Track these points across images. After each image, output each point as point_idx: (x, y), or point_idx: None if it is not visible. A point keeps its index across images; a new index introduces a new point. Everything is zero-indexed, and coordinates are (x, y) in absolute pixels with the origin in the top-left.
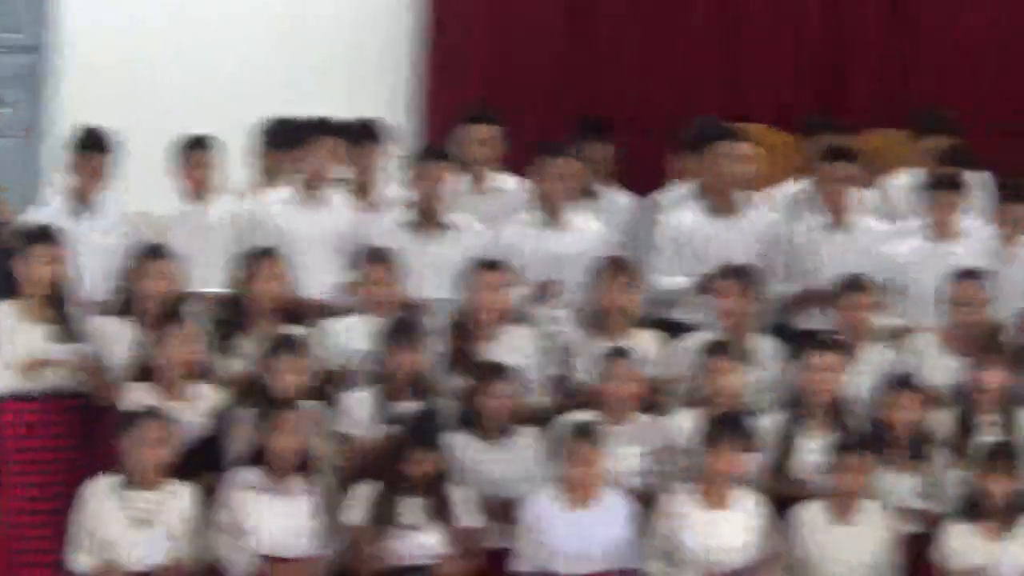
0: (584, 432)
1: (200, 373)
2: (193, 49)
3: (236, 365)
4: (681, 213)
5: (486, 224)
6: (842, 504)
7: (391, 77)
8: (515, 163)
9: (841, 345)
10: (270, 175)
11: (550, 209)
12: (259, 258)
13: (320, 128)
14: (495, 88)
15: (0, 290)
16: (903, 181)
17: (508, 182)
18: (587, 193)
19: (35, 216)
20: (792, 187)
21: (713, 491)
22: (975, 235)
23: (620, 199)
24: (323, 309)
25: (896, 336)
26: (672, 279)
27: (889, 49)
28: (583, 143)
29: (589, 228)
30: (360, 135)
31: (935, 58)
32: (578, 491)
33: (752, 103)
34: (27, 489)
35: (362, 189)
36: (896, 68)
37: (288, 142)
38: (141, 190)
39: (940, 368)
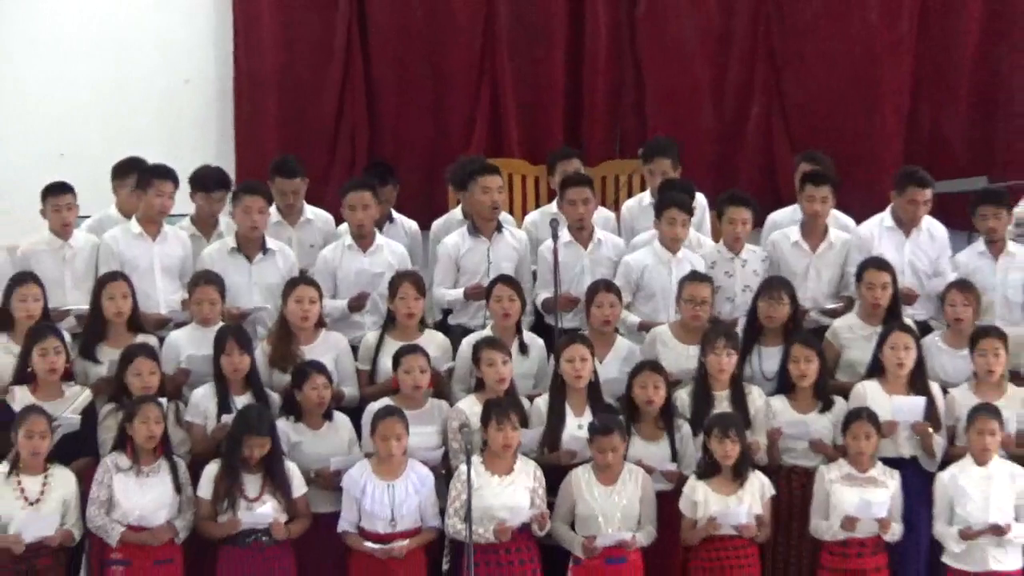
0: (389, 412)
1: (69, 376)
2: (53, 117)
3: (99, 368)
4: (455, 239)
5: (298, 248)
6: (604, 469)
7: (205, 131)
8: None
9: (588, 339)
10: (126, 209)
11: (359, 234)
12: (108, 281)
13: (160, 173)
14: (287, 140)
15: None
16: (634, 202)
17: (315, 213)
18: (380, 221)
19: None
20: (544, 209)
21: (497, 461)
22: (706, 245)
23: (406, 225)
24: (164, 322)
25: (640, 329)
26: (448, 291)
27: (619, 91)
28: (373, 182)
29: (387, 248)
30: (205, 180)
31: (655, 99)
32: (388, 464)
33: (506, 137)
34: None
35: (203, 222)
36: (625, 107)
37: (132, 179)
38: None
39: (676, 355)
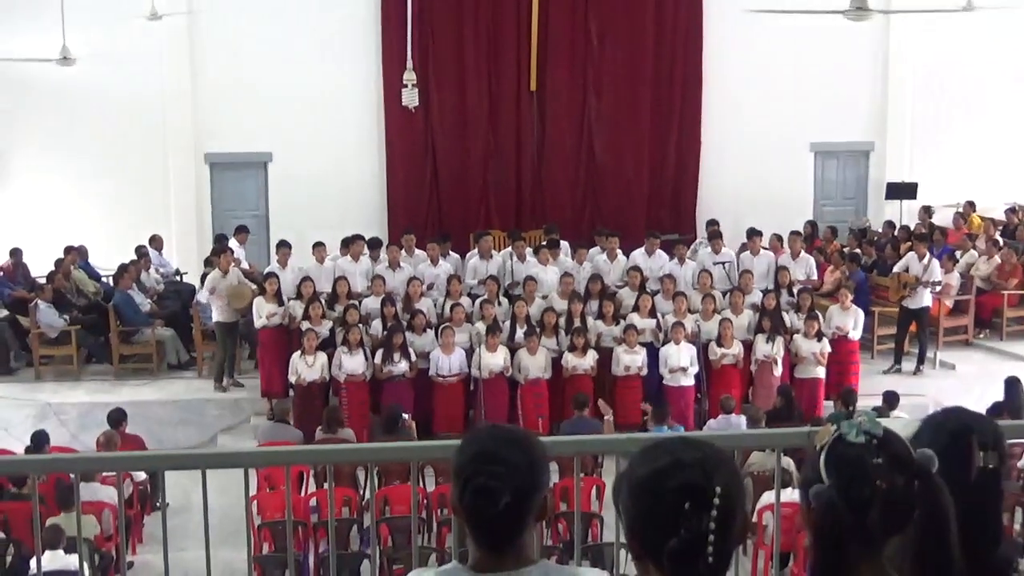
0: (447, 328)
1: (324, 316)
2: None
3: (334, 314)
4: (474, 260)
5: (413, 267)
6: (532, 349)
7: (374, 214)
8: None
9: (525, 299)
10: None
11: (431, 260)
12: (338, 279)
13: (358, 238)
14: (405, 211)
15: (260, 292)
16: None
17: (419, 252)
18: (444, 254)
19: (268, 270)
20: (507, 249)
21: (491, 347)
22: (564, 262)
23: (454, 256)
24: (360, 295)
25: (544, 297)
26: (470, 281)
27: (533, 202)
28: (439, 239)
29: (445, 265)
30: (375, 242)
31: (551, 204)
32: (447, 348)
33: (492, 220)
34: (272, 358)
35: (376, 256)
36: (533, 197)
37: (347, 243)
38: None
39: (559, 305)
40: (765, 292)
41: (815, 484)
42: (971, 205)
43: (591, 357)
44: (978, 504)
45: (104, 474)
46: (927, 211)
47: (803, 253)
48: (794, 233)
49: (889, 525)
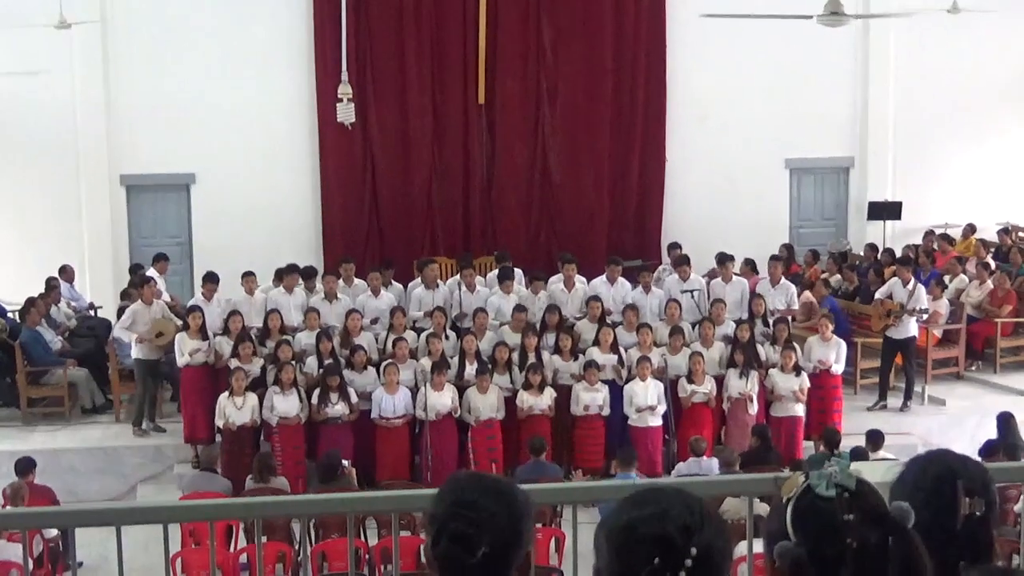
0: (390, 364)
1: (254, 354)
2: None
3: (265, 351)
4: (419, 290)
5: (352, 298)
6: (482, 388)
7: (310, 246)
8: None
9: (474, 333)
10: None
11: (373, 290)
12: (270, 312)
13: (293, 269)
14: (346, 250)
15: (183, 328)
16: (492, 274)
17: (359, 282)
18: (386, 283)
19: (191, 303)
20: (454, 278)
21: (437, 386)
22: (517, 290)
23: (397, 286)
24: (295, 329)
25: (500, 324)
26: (415, 313)
27: (483, 230)
28: (381, 268)
29: (388, 296)
30: (309, 271)
31: (503, 233)
32: (390, 387)
33: (439, 247)
34: (196, 400)
35: (309, 288)
36: (482, 220)
37: (281, 274)
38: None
39: (512, 339)
40: (738, 323)
41: (781, 540)
42: (971, 228)
43: (548, 396)
44: (966, 554)
45: (10, 531)
46: (932, 235)
47: (783, 280)
48: (774, 258)
49: None
